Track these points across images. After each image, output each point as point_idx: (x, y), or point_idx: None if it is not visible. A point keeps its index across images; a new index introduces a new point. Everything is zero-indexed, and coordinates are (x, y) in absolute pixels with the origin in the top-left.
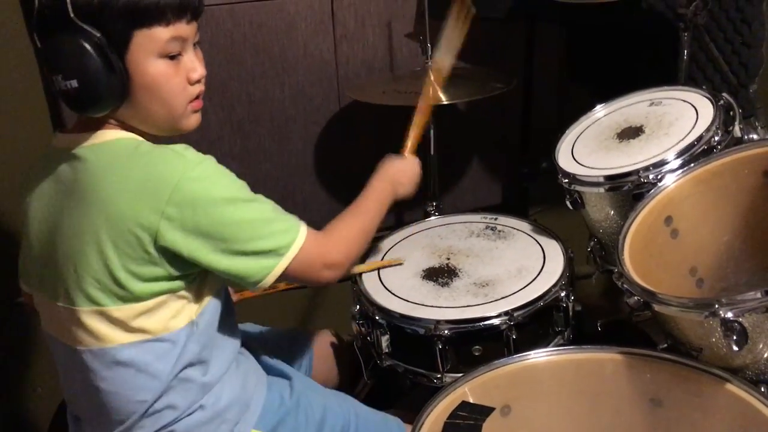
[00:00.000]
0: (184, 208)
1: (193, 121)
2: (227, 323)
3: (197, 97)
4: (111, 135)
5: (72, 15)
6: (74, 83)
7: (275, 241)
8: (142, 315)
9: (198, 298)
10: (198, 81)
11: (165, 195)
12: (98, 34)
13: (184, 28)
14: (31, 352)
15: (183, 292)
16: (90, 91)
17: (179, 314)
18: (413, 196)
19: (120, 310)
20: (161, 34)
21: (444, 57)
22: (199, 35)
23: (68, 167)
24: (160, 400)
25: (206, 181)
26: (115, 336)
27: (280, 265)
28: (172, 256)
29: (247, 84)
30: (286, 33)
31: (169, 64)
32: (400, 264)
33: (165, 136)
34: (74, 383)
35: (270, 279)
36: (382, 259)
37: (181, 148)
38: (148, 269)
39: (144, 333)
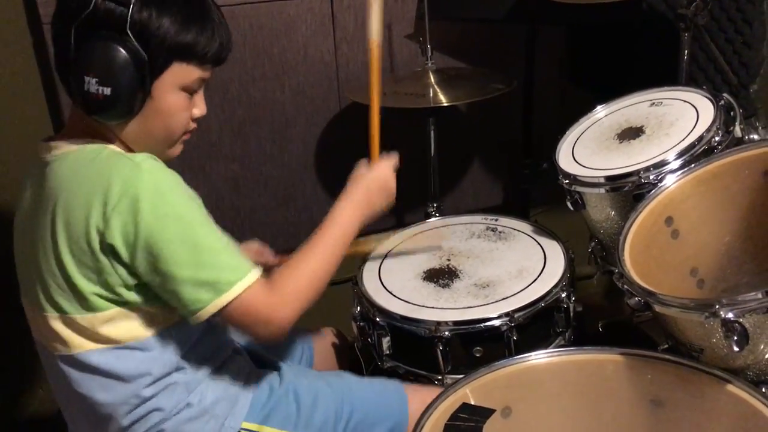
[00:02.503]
0: (127, 216)
1: (178, 150)
2: (213, 331)
3: (190, 131)
4: (89, 145)
5: (128, 29)
6: (107, 91)
7: (217, 274)
8: (105, 324)
9: (170, 309)
10: (197, 119)
11: (112, 200)
12: (144, 54)
13: (209, 73)
14: (33, 354)
15: (145, 305)
16: (118, 101)
17: (149, 324)
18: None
19: (83, 318)
20: (193, 72)
21: (377, 32)
22: None
23: (44, 174)
24: (144, 405)
25: (155, 193)
26: (81, 342)
27: (216, 303)
28: (119, 265)
29: (247, 85)
30: (286, 35)
31: (185, 98)
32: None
33: None
34: (58, 387)
35: (202, 315)
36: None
37: (141, 157)
38: (101, 277)
39: (110, 341)
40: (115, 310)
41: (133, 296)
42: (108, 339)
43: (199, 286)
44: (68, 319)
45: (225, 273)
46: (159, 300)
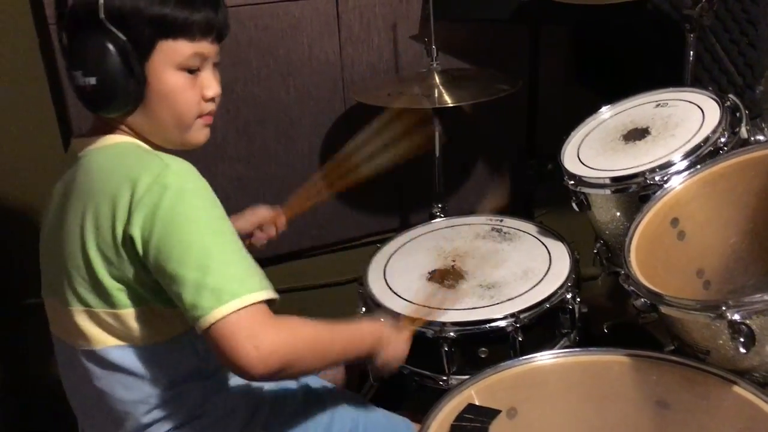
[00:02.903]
0: (148, 210)
1: (201, 135)
2: None
3: (209, 114)
4: (115, 139)
5: (102, 16)
6: (92, 80)
7: (222, 282)
8: (128, 322)
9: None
10: (212, 99)
11: (138, 194)
12: (124, 38)
13: (207, 47)
14: (40, 352)
15: (162, 308)
16: (106, 90)
17: (170, 326)
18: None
19: (108, 314)
20: (185, 48)
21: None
22: (219, 57)
23: (74, 169)
24: (163, 407)
25: (178, 192)
26: (103, 338)
27: (215, 313)
28: (136, 260)
29: (252, 86)
30: (291, 35)
31: (186, 77)
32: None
33: (173, 147)
34: (73, 383)
35: (202, 323)
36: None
37: (170, 158)
38: (123, 273)
39: (131, 340)
40: (138, 308)
41: (150, 295)
42: (130, 337)
43: (202, 291)
44: (93, 314)
45: (231, 283)
46: (173, 303)
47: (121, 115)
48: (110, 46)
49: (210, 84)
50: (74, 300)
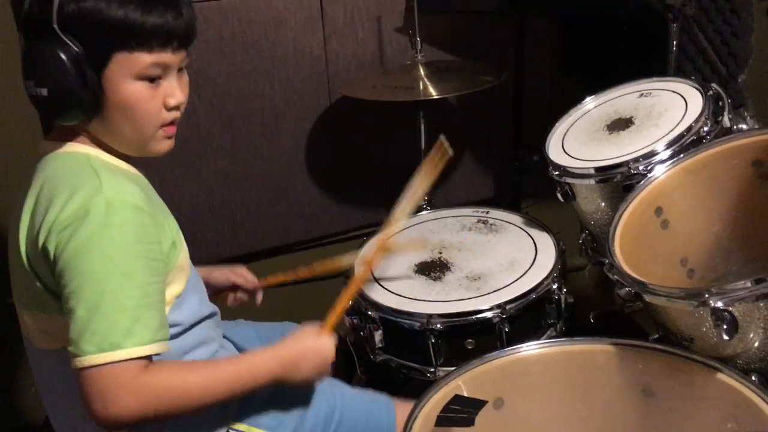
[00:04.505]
0: (65, 233)
1: (164, 146)
2: (199, 328)
3: (171, 123)
4: (72, 148)
5: (55, 24)
6: (44, 91)
7: (106, 329)
8: (62, 329)
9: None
10: (175, 108)
11: (63, 214)
12: (78, 48)
13: (168, 57)
14: (26, 352)
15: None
16: (58, 101)
17: None
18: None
19: (45, 319)
20: (143, 59)
21: (402, 215)
22: (188, 60)
23: (34, 173)
24: None
25: (98, 224)
26: (52, 342)
27: (89, 359)
28: (48, 272)
29: (236, 80)
30: (275, 29)
31: (146, 87)
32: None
33: (136, 156)
34: (43, 379)
35: (76, 363)
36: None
37: (111, 182)
38: (45, 280)
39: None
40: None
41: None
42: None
43: (84, 332)
44: (37, 317)
45: (114, 332)
46: None
47: (80, 122)
48: (63, 56)
49: (172, 92)
50: (24, 305)
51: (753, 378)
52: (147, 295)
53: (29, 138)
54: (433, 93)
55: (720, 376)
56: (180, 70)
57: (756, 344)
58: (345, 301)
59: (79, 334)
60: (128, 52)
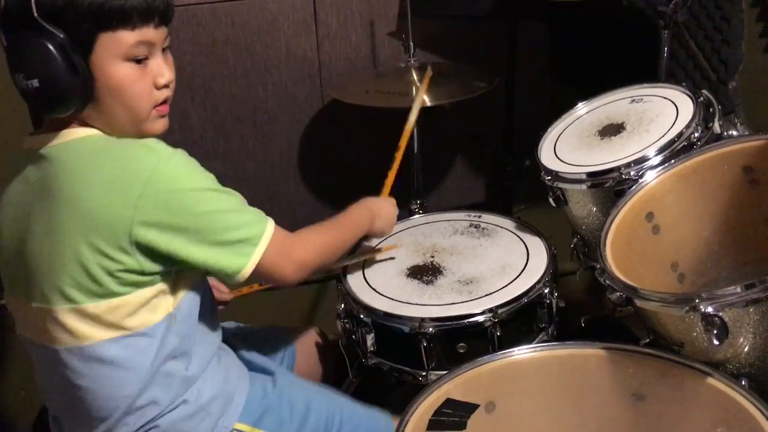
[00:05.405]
0: (157, 201)
1: (158, 125)
2: (207, 316)
3: (164, 102)
4: (78, 133)
5: (36, 14)
6: (35, 83)
7: (248, 231)
8: (119, 310)
9: (175, 290)
10: (165, 86)
11: (137, 189)
12: (62, 35)
13: (151, 33)
14: (14, 355)
15: (159, 285)
16: (51, 91)
17: (157, 308)
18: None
19: (97, 307)
20: (127, 37)
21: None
22: (169, 40)
23: (36, 168)
24: (142, 396)
25: (178, 173)
26: (92, 333)
27: (256, 255)
28: (148, 251)
29: (229, 83)
30: (268, 32)
31: (134, 68)
32: (392, 258)
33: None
34: (52, 384)
35: (248, 270)
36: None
37: (152, 142)
38: (123, 265)
39: (121, 329)
40: (130, 295)
41: (152, 278)
42: (119, 326)
43: (238, 246)
44: (79, 310)
45: (254, 228)
46: (174, 272)
47: (74, 111)
48: (49, 46)
49: (161, 71)
50: (58, 299)
51: (743, 383)
52: (233, 193)
53: (17, 137)
54: (426, 101)
55: (710, 380)
56: (164, 50)
57: (746, 349)
58: (396, 165)
59: (232, 254)
60: (111, 32)
